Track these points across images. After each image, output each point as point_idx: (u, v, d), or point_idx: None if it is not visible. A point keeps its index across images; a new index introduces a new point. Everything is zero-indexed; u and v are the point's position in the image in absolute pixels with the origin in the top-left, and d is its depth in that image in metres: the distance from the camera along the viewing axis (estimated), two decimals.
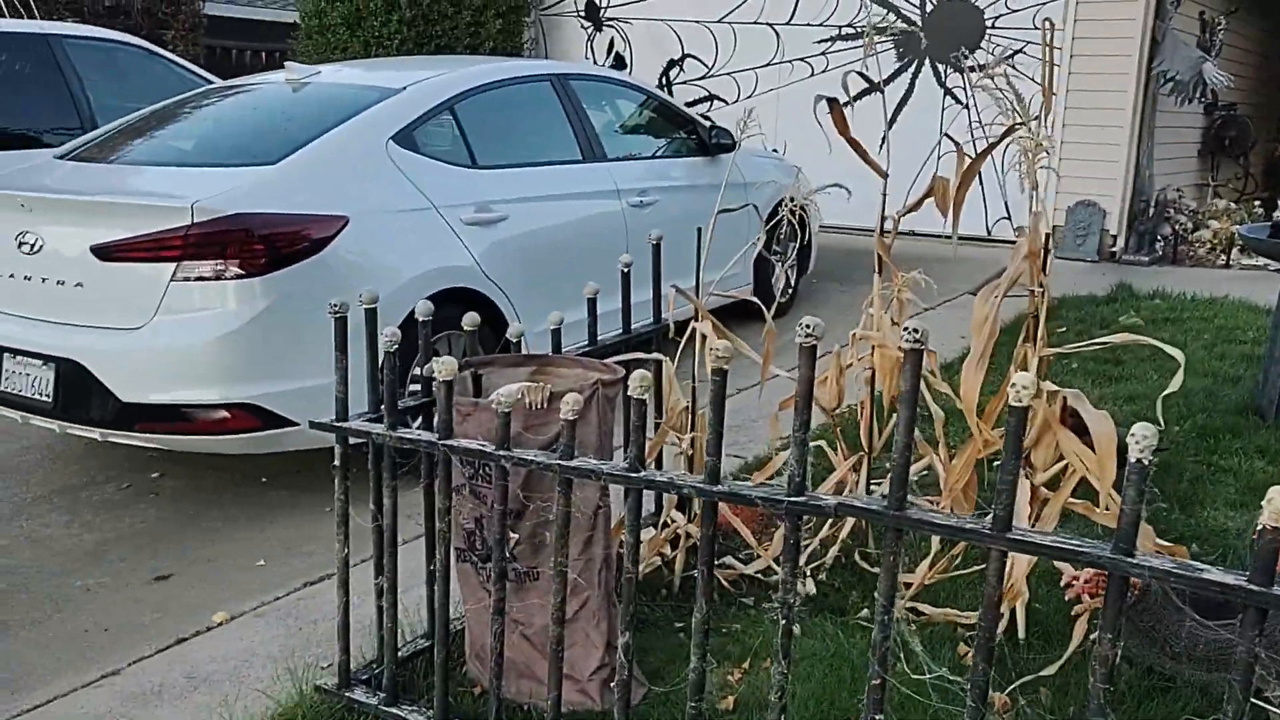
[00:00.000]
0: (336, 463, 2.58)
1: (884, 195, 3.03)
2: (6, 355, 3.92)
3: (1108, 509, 2.41)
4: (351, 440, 2.58)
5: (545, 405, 2.46)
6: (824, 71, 9.47)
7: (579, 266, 4.87)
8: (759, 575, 3.21)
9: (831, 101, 2.91)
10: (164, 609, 3.40)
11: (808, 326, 1.77)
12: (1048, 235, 2.61)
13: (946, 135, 2.92)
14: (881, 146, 2.83)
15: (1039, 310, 2.66)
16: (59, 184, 4.06)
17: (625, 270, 3.27)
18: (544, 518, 2.48)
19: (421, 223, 4.18)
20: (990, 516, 1.62)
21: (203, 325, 3.62)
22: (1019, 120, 2.49)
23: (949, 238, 3.09)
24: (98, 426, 3.76)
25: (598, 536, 2.50)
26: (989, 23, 8.72)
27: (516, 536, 2.48)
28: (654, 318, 3.51)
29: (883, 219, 2.99)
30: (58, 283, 3.79)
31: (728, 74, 10.07)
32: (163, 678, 3.00)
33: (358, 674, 2.75)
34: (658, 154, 5.79)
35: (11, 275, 3.92)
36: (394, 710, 2.57)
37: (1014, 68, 2.83)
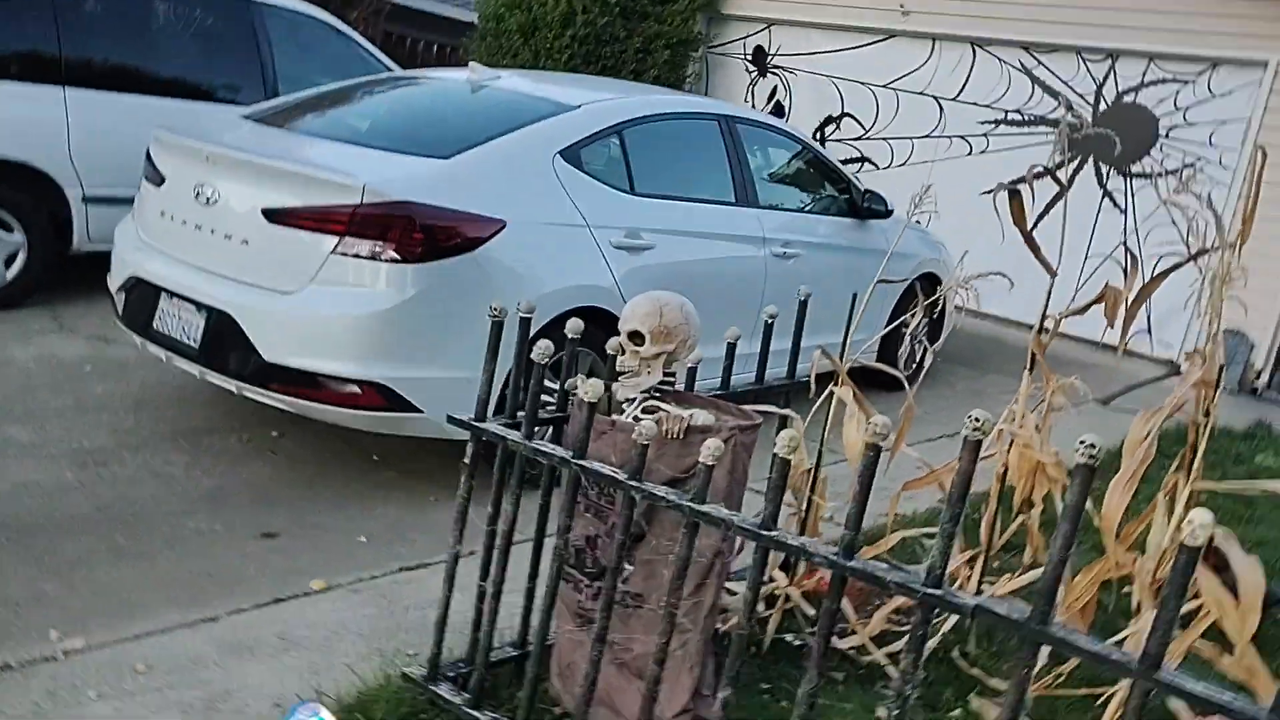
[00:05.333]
0: (467, 460, 2.63)
1: (1049, 294, 2.96)
2: (165, 295, 4.10)
3: (1241, 660, 2.29)
4: (471, 447, 2.63)
5: (680, 437, 2.46)
6: (982, 153, 9.32)
7: (714, 306, 4.86)
8: (850, 650, 3.15)
9: (1013, 193, 2.87)
10: (266, 566, 3.50)
11: (977, 420, 1.73)
12: (1222, 367, 2.52)
13: (1124, 246, 2.85)
14: (1061, 248, 2.77)
15: (1198, 441, 2.56)
16: (242, 143, 4.24)
17: (769, 320, 3.27)
18: (660, 550, 2.47)
19: (573, 239, 4.24)
20: (1140, 650, 1.55)
21: (351, 301, 3.73)
22: (1209, 245, 2.41)
23: (1094, 343, 2.99)
24: (236, 379, 3.90)
25: (711, 582, 2.49)
26: (1163, 132, 8.48)
27: (631, 568, 2.48)
28: (789, 373, 3.50)
29: (1044, 317, 2.92)
30: (225, 236, 3.95)
31: (884, 138, 9.99)
32: (257, 633, 3.09)
33: (445, 670, 2.77)
34: (807, 208, 5.77)
35: (184, 222, 4.11)
36: (476, 714, 2.58)
37: (1190, 184, 2.76)
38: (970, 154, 9.45)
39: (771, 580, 3.18)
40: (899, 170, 9.80)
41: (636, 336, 2.65)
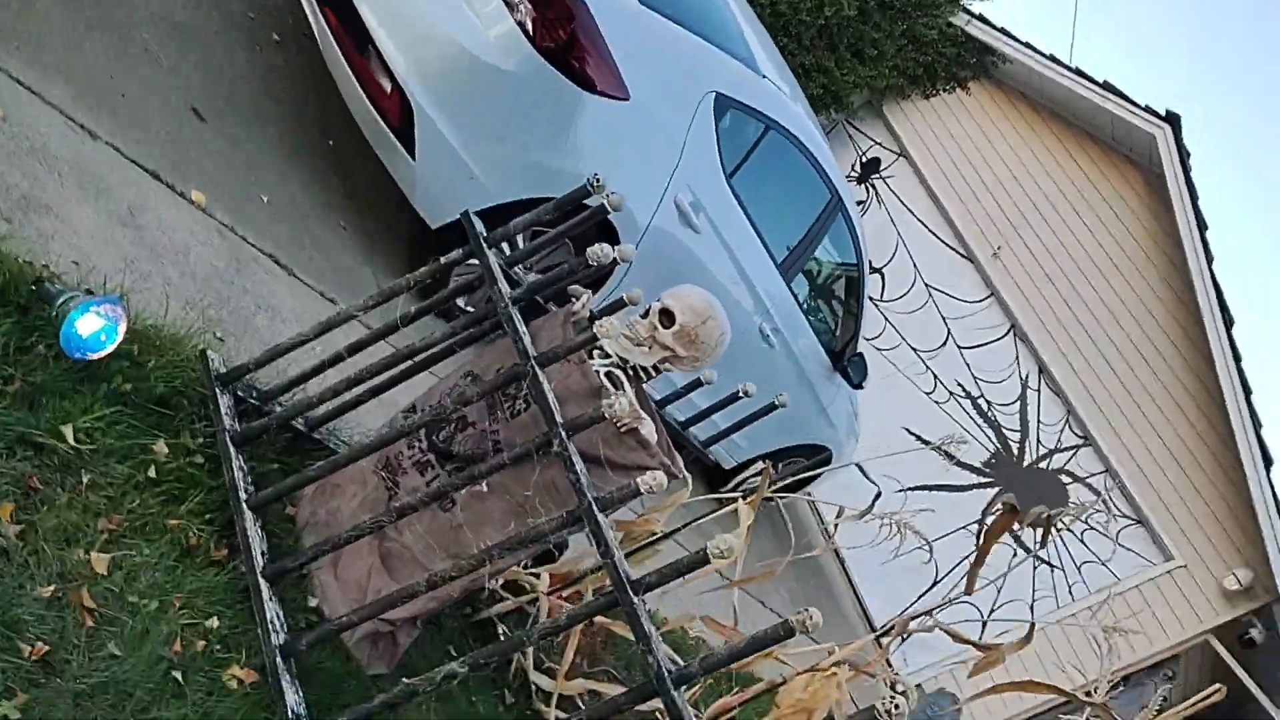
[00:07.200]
0: (443, 260, 2.36)
1: (949, 601, 2.91)
2: None
3: None
4: (459, 254, 2.37)
5: (620, 429, 2.26)
6: (938, 403, 9.44)
7: None
8: (535, 684, 3.01)
9: (1013, 510, 2.80)
10: (172, 140, 3.11)
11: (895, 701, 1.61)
12: None
13: (1031, 623, 2.83)
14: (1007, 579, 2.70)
15: None
16: None
17: (742, 394, 3.12)
18: (511, 493, 2.27)
19: (654, 165, 3.98)
20: None
21: (462, 24, 3.39)
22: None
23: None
24: None
25: (520, 554, 2.29)
26: (1060, 525, 8.79)
27: (477, 489, 2.26)
28: (703, 445, 3.36)
29: (930, 613, 2.87)
30: None
31: (886, 317, 10.03)
32: (115, 185, 2.74)
33: (239, 385, 2.49)
34: (811, 318, 5.62)
35: None
36: (233, 447, 2.31)
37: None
38: (931, 393, 9.55)
39: (536, 575, 3.01)
40: (875, 349, 9.82)
41: (668, 317, 2.45)
